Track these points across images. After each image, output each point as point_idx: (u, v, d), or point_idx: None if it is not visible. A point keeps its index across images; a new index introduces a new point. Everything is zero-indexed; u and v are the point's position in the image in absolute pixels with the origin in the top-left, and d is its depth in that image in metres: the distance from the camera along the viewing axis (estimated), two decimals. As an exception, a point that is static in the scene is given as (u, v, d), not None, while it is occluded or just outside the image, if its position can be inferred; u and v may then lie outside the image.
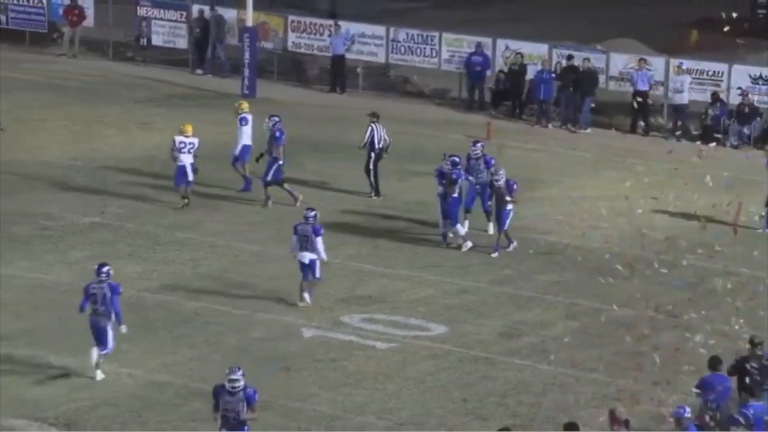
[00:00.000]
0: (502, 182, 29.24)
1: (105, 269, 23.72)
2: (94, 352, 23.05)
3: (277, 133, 31.92)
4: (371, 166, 32.99)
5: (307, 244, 26.40)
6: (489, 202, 30.37)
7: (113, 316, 23.23)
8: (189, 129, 32.06)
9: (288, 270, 28.05)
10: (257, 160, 32.26)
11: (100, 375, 23.17)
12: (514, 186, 29.34)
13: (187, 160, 31.48)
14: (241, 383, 19.87)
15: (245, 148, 32.69)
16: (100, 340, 23.13)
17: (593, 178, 34.93)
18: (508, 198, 29.21)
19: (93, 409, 22.25)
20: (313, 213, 26.74)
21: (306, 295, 26.48)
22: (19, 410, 22.12)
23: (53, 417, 21.93)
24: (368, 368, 24.10)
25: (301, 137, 34.83)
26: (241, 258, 28.68)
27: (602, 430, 20.29)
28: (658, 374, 23.97)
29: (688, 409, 19.79)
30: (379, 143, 33.21)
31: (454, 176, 29.71)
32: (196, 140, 31.49)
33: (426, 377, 23.92)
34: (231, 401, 19.87)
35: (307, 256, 26.40)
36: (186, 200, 31.29)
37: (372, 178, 33.02)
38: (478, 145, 31.41)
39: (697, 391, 21.22)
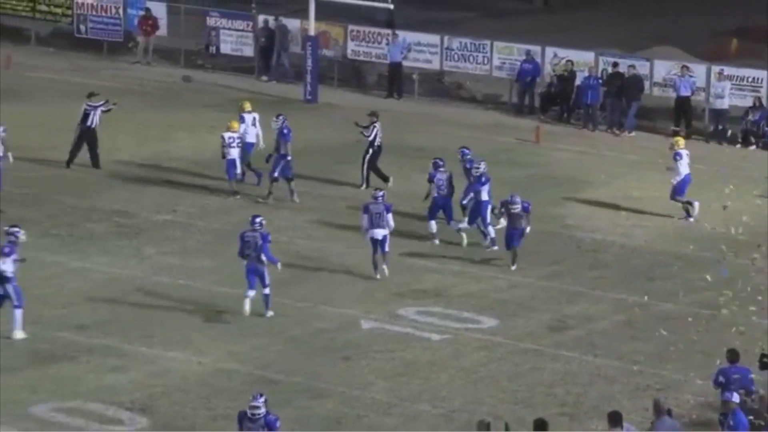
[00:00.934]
0: (518, 208, 28.15)
1: (258, 219, 25.78)
2: (250, 294, 25.21)
3: (285, 131, 32.06)
4: (368, 161, 33.23)
5: (379, 221, 27.44)
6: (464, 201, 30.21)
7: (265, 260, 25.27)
8: (235, 125, 32.43)
9: (347, 265, 28.18)
10: (267, 161, 32.33)
11: (247, 309, 25.19)
12: (529, 207, 28.41)
13: (236, 154, 31.90)
14: (262, 410, 18.97)
15: (248, 145, 32.84)
16: (262, 282, 25.27)
17: (637, 180, 34.72)
18: (524, 222, 28.28)
19: (166, 395, 22.36)
20: (381, 193, 27.93)
21: (384, 267, 27.43)
22: (98, 395, 22.26)
23: (129, 401, 22.04)
24: (423, 359, 24.10)
25: (356, 140, 34.81)
26: (303, 254, 28.70)
27: (646, 419, 20.19)
28: (698, 366, 23.96)
29: (736, 395, 19.61)
30: (378, 141, 33.40)
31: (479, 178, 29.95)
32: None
33: (478, 368, 23.89)
34: (252, 428, 19.09)
35: (380, 233, 27.46)
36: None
37: (365, 171, 33.28)
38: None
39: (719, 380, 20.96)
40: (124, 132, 35.44)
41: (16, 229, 24.77)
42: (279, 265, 25.82)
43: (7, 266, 23.94)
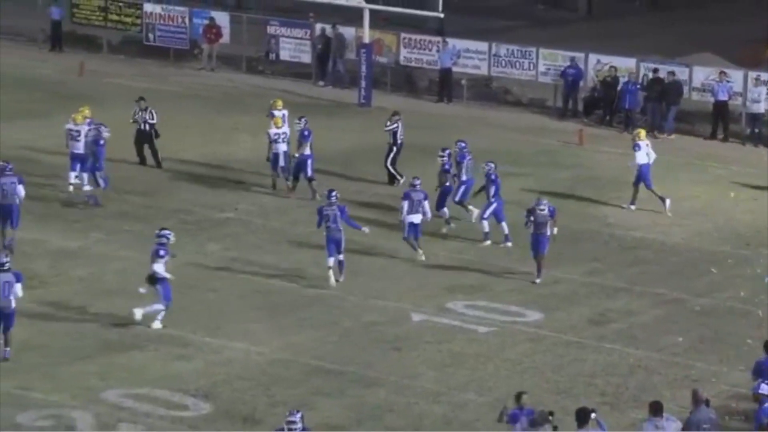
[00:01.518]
0: (546, 210, 27.24)
1: (333, 194, 27.10)
2: (331, 261, 26.52)
3: (306, 132, 32.35)
4: (390, 158, 33.44)
5: (418, 207, 28.31)
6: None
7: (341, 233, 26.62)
8: (279, 122, 32.85)
9: (398, 261, 28.27)
10: (290, 162, 32.66)
11: (333, 281, 26.38)
12: (555, 212, 27.59)
13: (281, 148, 32.22)
14: (299, 425, 18.18)
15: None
16: (338, 249, 26.57)
17: (676, 180, 34.64)
18: (551, 226, 27.36)
19: (227, 383, 22.54)
20: (418, 181, 28.75)
21: (420, 250, 28.28)
22: (164, 382, 22.46)
23: (193, 389, 22.23)
24: (470, 350, 24.18)
25: (411, 142, 34.87)
26: (356, 249, 28.72)
27: (684, 408, 20.17)
28: (735, 357, 23.97)
29: (764, 386, 19.64)
30: (400, 136, 33.54)
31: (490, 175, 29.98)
32: (287, 130, 32.41)
33: (522, 359, 23.97)
34: None
35: (417, 218, 28.28)
36: (291, 187, 32.18)
37: (393, 169, 33.45)
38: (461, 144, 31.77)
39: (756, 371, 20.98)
40: (189, 134, 35.71)
41: (167, 231, 25.08)
42: (365, 229, 27.65)
43: (160, 267, 24.31)
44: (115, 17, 47.04)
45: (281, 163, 32.36)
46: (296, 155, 32.29)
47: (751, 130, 38.85)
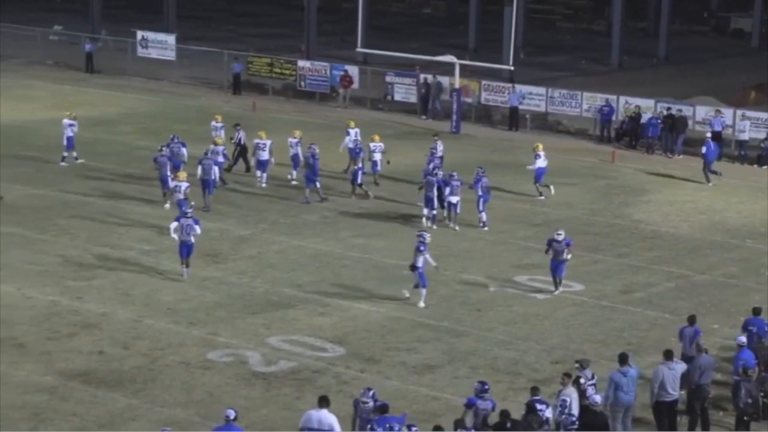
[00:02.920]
0: (561, 239, 24.69)
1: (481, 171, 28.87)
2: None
3: (357, 149, 32.15)
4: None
5: (457, 191, 28.83)
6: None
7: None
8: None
9: (478, 247, 28.10)
10: (345, 171, 32.36)
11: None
12: (571, 243, 25.05)
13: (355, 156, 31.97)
14: (370, 404, 16.70)
15: (351, 150, 32.89)
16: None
17: (683, 188, 34.21)
18: (566, 253, 24.72)
19: (355, 333, 22.57)
20: (455, 173, 28.97)
21: (456, 226, 28.71)
22: (310, 332, 22.51)
23: (331, 336, 22.28)
24: (531, 311, 23.99)
25: (488, 160, 34.72)
26: (446, 238, 28.68)
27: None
28: (726, 317, 23.56)
29: (742, 338, 19.31)
30: (438, 153, 33.04)
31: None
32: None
33: (569, 318, 23.75)
34: (363, 415, 16.82)
35: (455, 198, 28.89)
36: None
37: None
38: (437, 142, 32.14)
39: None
40: (334, 153, 35.34)
41: (424, 232, 24.65)
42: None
43: (420, 261, 23.68)
44: (278, 70, 47.33)
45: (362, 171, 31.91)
46: (353, 167, 32.09)
47: (739, 152, 38.17)
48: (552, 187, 32.50)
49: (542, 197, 32.26)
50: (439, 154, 33.23)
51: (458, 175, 29.36)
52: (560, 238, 24.63)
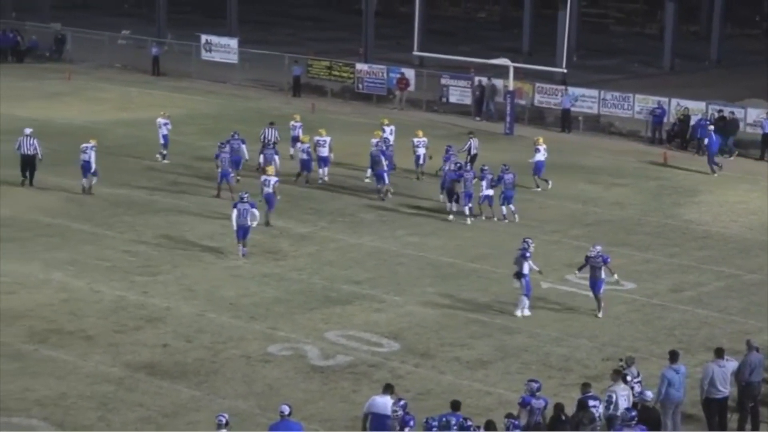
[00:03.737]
0: (595, 254, 23.32)
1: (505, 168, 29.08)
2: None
3: (389, 150, 32.13)
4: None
5: (513, 188, 29.18)
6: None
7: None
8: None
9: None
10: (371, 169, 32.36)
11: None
12: (608, 259, 23.56)
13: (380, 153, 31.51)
14: (400, 413, 16.27)
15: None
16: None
17: (735, 189, 33.82)
18: (604, 269, 23.31)
19: (409, 328, 22.57)
20: (487, 168, 29.18)
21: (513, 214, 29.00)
22: (366, 327, 22.54)
23: (386, 332, 22.29)
24: (583, 308, 23.83)
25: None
26: (502, 237, 28.56)
27: (740, 352, 19.54)
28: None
29: None
30: (473, 150, 33.42)
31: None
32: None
33: (621, 315, 23.58)
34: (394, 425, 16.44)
35: (491, 191, 29.16)
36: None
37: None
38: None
39: None
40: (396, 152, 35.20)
41: (529, 239, 23.58)
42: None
43: (525, 268, 23.02)
44: (336, 73, 47.48)
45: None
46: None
47: (787, 152, 37.83)
48: (550, 181, 32.65)
49: (538, 189, 32.44)
50: (474, 151, 33.57)
51: (489, 170, 29.41)
52: (593, 252, 23.22)
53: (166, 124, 34.50)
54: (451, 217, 29.37)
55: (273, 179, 28.61)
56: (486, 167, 29.83)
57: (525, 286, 23.17)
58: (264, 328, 22.23)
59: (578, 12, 53.60)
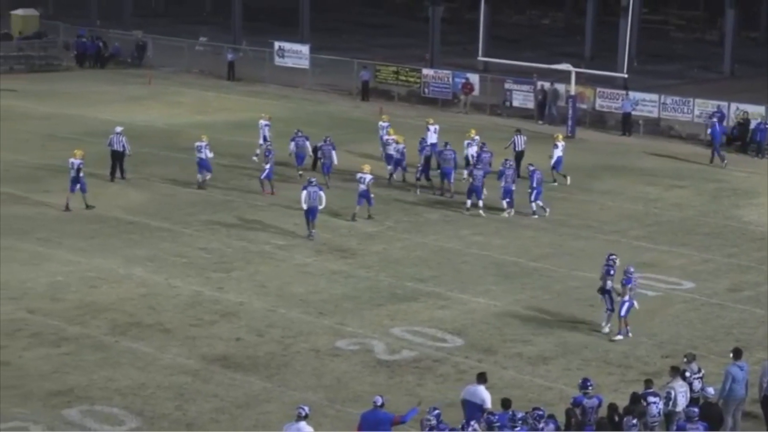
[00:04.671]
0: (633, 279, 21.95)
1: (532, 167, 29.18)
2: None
3: (426, 149, 32.34)
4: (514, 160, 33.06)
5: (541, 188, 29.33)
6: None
7: None
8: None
9: (591, 246, 27.71)
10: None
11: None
12: (632, 282, 21.99)
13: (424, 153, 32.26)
14: (434, 421, 15.53)
15: (432, 145, 33.25)
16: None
17: (791, 189, 33.28)
18: (621, 292, 21.85)
19: (473, 325, 22.51)
20: (534, 167, 28.87)
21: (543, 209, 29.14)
22: (431, 323, 22.50)
23: (450, 328, 22.26)
24: (643, 307, 23.31)
25: (602, 163, 34.23)
26: (560, 237, 28.34)
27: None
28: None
29: None
30: (518, 147, 33.82)
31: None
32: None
33: (679, 314, 23.29)
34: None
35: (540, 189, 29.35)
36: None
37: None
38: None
39: None
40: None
41: (614, 256, 22.41)
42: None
43: (608, 284, 21.94)
44: (403, 78, 47.56)
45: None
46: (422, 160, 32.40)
47: None
48: (569, 177, 32.71)
49: (555, 183, 32.49)
50: (519, 148, 34.00)
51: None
52: (631, 273, 21.88)
53: (267, 126, 35.25)
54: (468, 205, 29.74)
55: (368, 176, 29.09)
56: (532, 165, 29.94)
57: (608, 301, 22.07)
58: (332, 324, 22.32)
59: (639, 19, 53.06)
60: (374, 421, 16.14)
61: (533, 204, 29.65)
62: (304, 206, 26.91)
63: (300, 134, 33.36)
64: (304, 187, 27.14)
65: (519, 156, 33.74)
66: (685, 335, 22.08)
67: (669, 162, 36.78)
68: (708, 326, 22.62)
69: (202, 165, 31.70)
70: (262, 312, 22.85)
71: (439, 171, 32.18)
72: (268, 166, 31.26)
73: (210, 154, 31.69)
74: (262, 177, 31.30)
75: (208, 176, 31.76)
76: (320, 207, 26.95)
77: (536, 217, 29.46)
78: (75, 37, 54.12)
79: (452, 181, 31.54)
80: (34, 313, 22.36)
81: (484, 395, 16.81)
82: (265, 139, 34.80)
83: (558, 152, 32.99)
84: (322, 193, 26.95)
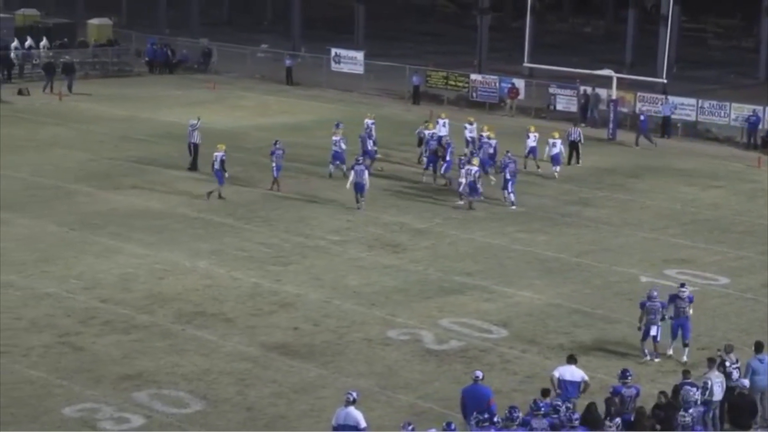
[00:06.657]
0: (686, 294, 20.32)
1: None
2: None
3: (450, 147, 32.25)
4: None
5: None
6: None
7: None
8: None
9: (632, 242, 27.44)
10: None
11: None
12: (693, 298, 20.66)
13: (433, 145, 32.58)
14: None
15: (439, 137, 33.43)
16: None
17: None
18: (689, 309, 20.26)
19: (517, 317, 22.41)
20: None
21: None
22: (476, 315, 22.36)
23: (496, 320, 22.11)
24: (679, 302, 23.27)
25: (641, 163, 33.82)
26: (601, 234, 28.10)
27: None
28: None
29: None
30: (572, 137, 34.57)
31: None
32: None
33: (715, 308, 23.00)
34: None
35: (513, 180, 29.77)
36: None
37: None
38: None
39: None
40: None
41: (686, 288, 20.40)
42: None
43: (671, 311, 20.06)
44: (452, 83, 47.41)
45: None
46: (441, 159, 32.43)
47: None
48: (541, 167, 32.95)
49: (539, 169, 32.99)
50: (574, 138, 34.67)
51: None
52: (685, 293, 20.23)
53: (373, 124, 35.27)
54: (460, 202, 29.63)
55: (474, 168, 29.62)
56: (509, 151, 30.38)
57: (676, 330, 20.27)
58: (384, 315, 22.32)
59: (678, 27, 52.38)
60: (476, 394, 16.24)
61: (506, 193, 29.86)
62: (353, 180, 28.79)
63: (339, 126, 33.20)
64: (353, 167, 29.22)
65: (573, 145, 34.83)
66: (720, 328, 21.79)
67: (706, 163, 36.28)
68: (742, 320, 22.32)
69: (336, 157, 32.44)
70: (317, 303, 22.90)
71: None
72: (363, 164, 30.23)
73: (343, 147, 32.14)
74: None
75: (345, 168, 31.76)
76: (366, 183, 28.69)
77: (514, 208, 29.12)
78: (146, 44, 54.70)
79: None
80: (106, 302, 22.63)
81: (580, 372, 17.24)
82: (369, 136, 34.36)
83: (531, 142, 33.77)
84: (366, 172, 28.84)
